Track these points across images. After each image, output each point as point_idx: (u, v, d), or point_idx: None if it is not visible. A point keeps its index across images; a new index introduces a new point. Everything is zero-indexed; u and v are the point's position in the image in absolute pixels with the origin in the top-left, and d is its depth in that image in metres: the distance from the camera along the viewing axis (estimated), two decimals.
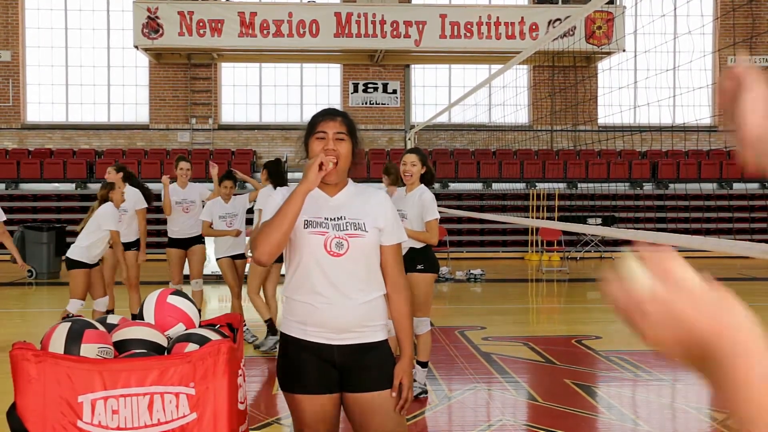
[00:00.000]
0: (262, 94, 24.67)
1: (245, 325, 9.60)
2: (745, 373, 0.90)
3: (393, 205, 3.72)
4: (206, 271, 14.84)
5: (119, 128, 24.29)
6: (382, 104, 24.40)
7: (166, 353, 3.83)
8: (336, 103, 24.58)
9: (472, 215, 11.35)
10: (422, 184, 7.02)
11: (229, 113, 24.80)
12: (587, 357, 9.06)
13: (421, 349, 7.42)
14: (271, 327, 9.31)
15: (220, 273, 10.48)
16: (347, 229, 3.43)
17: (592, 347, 9.71)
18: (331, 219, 3.43)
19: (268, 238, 3.27)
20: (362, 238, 3.42)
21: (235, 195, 9.63)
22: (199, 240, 10.14)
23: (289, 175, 19.38)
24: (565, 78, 24.78)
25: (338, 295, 3.47)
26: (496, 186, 23.00)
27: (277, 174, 9.23)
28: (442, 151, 24.18)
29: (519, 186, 23.08)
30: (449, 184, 22.95)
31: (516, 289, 16.24)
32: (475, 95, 14.69)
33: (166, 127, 24.40)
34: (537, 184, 23.66)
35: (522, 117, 24.70)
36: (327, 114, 3.51)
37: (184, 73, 23.93)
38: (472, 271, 17.51)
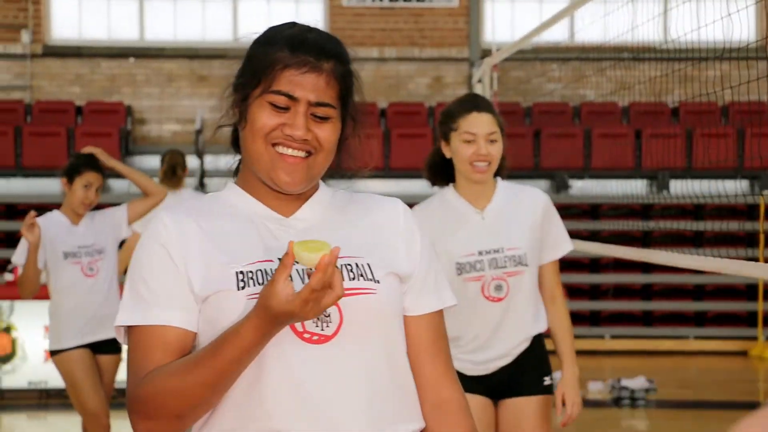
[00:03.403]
0: None
1: None
2: None
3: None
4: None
5: None
6: (420, 1, 16.47)
7: None
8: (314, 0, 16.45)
9: (629, 255, 6.34)
10: (498, 177, 4.50)
11: (68, 23, 16.37)
12: None
13: None
14: None
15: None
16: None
17: None
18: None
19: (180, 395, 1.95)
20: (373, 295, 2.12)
21: (95, 210, 6.30)
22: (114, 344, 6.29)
23: (212, 160, 14.15)
24: None
25: None
26: (679, 186, 14.29)
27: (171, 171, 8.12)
28: (550, 107, 16.03)
29: (733, 186, 14.52)
30: (569, 180, 14.82)
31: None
32: None
33: None
34: None
35: (743, 30, 12.81)
36: (301, 47, 2.03)
37: None
38: (625, 384, 10.28)
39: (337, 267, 1.83)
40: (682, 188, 13.96)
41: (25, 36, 15.55)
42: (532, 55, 15.10)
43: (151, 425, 1.96)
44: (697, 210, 13.98)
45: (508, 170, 4.34)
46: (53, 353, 5.95)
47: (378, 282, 2.05)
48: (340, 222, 2.14)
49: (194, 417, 1.98)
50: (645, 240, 13.97)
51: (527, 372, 4.00)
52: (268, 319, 1.86)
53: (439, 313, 2.21)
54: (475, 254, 3.90)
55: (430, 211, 4.15)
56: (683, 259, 5.25)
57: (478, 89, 11.07)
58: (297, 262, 1.84)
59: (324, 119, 2.05)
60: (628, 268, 13.04)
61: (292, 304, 1.83)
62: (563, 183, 14.67)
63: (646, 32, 8.98)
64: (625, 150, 15.09)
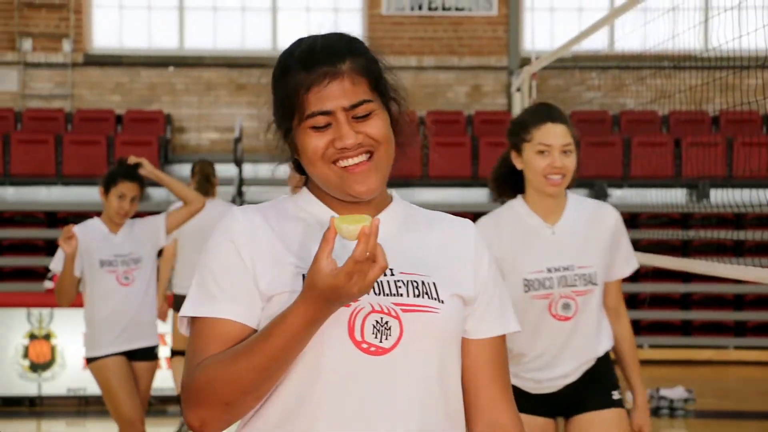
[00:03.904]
0: None
1: None
2: None
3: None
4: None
5: None
6: (459, 10, 16.35)
7: None
8: (353, 9, 16.34)
9: (668, 265, 6.54)
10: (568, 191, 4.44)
11: (109, 32, 16.46)
12: None
13: None
14: None
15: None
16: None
17: None
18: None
19: (233, 381, 1.95)
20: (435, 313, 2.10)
21: (134, 218, 6.26)
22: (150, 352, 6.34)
23: (251, 168, 14.37)
24: None
25: None
26: (719, 195, 14.16)
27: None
28: (589, 116, 15.73)
29: None
30: (608, 189, 14.90)
31: None
32: None
33: None
34: None
35: None
36: (313, 61, 2.02)
37: None
38: (664, 393, 10.23)
39: (379, 243, 1.83)
40: (722, 197, 13.82)
41: (67, 45, 15.82)
42: (571, 64, 15.04)
43: (203, 413, 1.95)
44: (737, 219, 13.88)
45: (573, 182, 4.17)
46: (89, 360, 5.98)
47: (442, 302, 2.05)
48: (410, 239, 2.13)
49: (244, 405, 1.96)
50: (684, 249, 13.95)
51: (595, 388, 3.91)
52: (315, 299, 1.85)
53: (501, 338, 2.20)
54: (543, 271, 3.79)
55: (499, 224, 4.02)
56: (723, 268, 5.25)
57: (517, 98, 11.55)
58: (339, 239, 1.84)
59: (366, 116, 2.03)
60: (668, 277, 12.98)
61: (337, 278, 1.82)
62: (602, 192, 14.62)
63: (687, 41, 9.06)
64: (664, 159, 15.13)
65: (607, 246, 3.85)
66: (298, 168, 2.17)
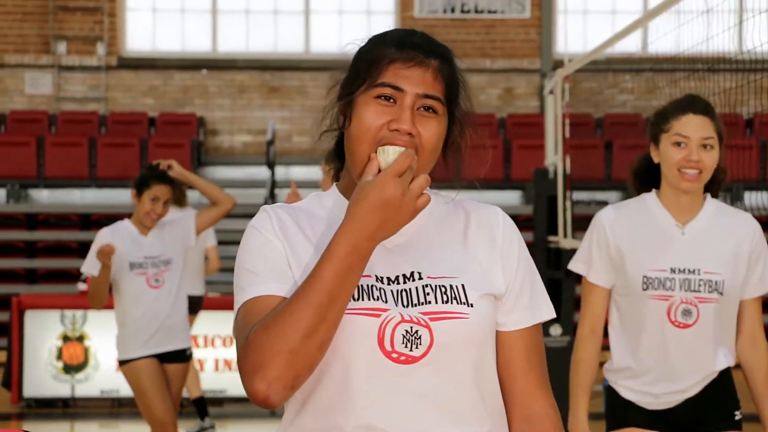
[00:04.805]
0: None
1: None
2: None
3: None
4: None
5: None
6: (492, 12, 16.46)
7: None
8: (386, 11, 16.32)
9: None
10: (708, 194, 3.98)
11: (142, 35, 16.50)
12: None
13: None
14: None
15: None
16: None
17: None
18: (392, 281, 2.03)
19: (292, 344, 1.91)
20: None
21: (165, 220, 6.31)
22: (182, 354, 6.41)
23: (283, 171, 14.56)
24: None
25: None
26: (753, 198, 11.17)
27: None
28: (622, 119, 16.04)
29: None
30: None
31: None
32: None
33: None
34: None
35: None
36: (407, 45, 2.02)
37: None
38: None
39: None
40: (756, 200, 13.61)
41: (101, 48, 16.01)
42: (604, 66, 14.98)
43: (267, 372, 1.90)
44: None
45: (724, 185, 3.88)
46: (121, 363, 6.01)
47: (471, 306, 2.03)
48: (437, 238, 2.11)
49: (307, 356, 1.91)
50: None
51: (715, 406, 3.65)
52: (357, 216, 1.87)
53: (535, 327, 2.16)
54: (666, 270, 3.52)
55: (623, 214, 3.78)
56: None
57: (550, 101, 11.06)
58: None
59: (430, 112, 2.01)
60: None
61: (380, 180, 1.86)
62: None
63: (721, 43, 8.97)
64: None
65: (743, 257, 3.55)
66: (337, 154, 2.17)
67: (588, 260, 3.64)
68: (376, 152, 1.93)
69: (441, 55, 2.04)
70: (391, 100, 1.99)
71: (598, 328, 3.70)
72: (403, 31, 2.08)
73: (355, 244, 1.88)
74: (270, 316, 1.92)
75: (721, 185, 3.84)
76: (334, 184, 2.13)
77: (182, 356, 6.13)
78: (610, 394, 3.71)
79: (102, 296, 5.84)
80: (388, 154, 1.91)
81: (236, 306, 2.01)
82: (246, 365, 1.91)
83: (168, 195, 5.95)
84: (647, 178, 3.77)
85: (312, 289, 1.89)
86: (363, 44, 2.09)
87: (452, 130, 2.08)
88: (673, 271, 3.50)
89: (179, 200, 7.84)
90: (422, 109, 2.00)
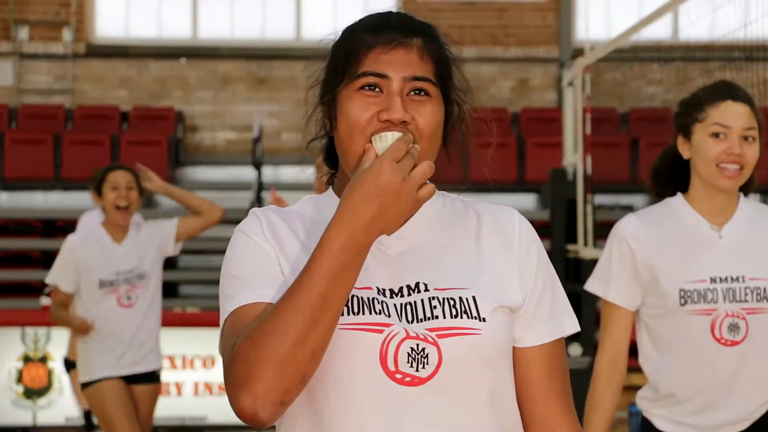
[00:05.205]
0: None
1: None
2: None
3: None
4: None
5: None
6: None
7: None
8: None
9: None
10: (741, 193, 3.95)
11: (114, 20, 16.68)
12: None
13: None
14: None
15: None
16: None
17: None
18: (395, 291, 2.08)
19: (285, 352, 1.92)
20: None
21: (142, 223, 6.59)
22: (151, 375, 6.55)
23: (271, 171, 15.01)
24: None
25: None
26: None
27: None
28: (649, 113, 16.03)
29: None
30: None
31: None
32: None
33: None
34: None
35: None
36: (384, 28, 2.06)
37: None
38: None
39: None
40: None
41: (67, 34, 16.02)
42: (629, 55, 14.87)
43: (254, 385, 1.91)
44: None
45: (754, 186, 3.76)
46: (83, 385, 6.02)
47: (483, 320, 2.05)
48: (445, 244, 2.13)
49: (297, 366, 1.91)
50: None
51: None
52: (351, 206, 1.88)
53: (556, 343, 2.18)
54: (706, 281, 3.42)
55: (649, 222, 3.68)
56: None
57: (569, 93, 11.33)
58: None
59: (422, 95, 2.03)
60: None
61: (376, 165, 1.87)
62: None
63: (760, 29, 9.09)
64: None
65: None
66: (329, 160, 2.20)
67: (606, 278, 3.57)
68: (371, 142, 1.95)
69: (424, 32, 2.06)
70: (377, 89, 2.01)
71: (619, 359, 3.62)
72: (377, 14, 2.11)
73: (350, 237, 1.89)
74: (256, 322, 1.93)
75: (754, 184, 3.74)
76: (330, 187, 2.16)
77: (152, 376, 6.12)
78: (643, 423, 3.63)
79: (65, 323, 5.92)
80: (387, 140, 1.93)
81: (222, 317, 2.02)
82: (231, 378, 1.93)
83: (130, 179, 5.92)
84: (670, 179, 3.70)
85: (302, 289, 1.90)
86: (337, 37, 2.11)
87: (450, 113, 2.11)
88: (713, 280, 3.42)
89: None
90: (413, 93, 2.02)
